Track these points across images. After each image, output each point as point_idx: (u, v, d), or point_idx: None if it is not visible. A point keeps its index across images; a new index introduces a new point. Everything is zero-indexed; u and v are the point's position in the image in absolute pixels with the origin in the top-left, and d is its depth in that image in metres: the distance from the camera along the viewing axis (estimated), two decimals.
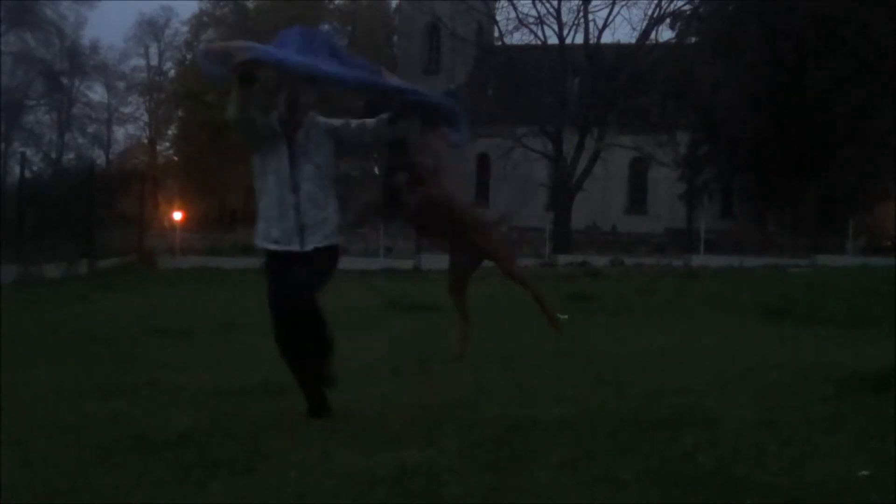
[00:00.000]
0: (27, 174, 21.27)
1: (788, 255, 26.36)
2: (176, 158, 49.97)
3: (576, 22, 37.55)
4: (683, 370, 6.50)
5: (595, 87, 36.33)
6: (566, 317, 9.89)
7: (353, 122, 4.96)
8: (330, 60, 4.76)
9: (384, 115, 4.88)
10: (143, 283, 16.34)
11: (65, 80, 46.47)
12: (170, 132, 51.65)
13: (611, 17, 41.00)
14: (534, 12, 38.49)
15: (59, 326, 9.02)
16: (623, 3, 37.42)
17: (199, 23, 47.68)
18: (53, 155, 45.08)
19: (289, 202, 4.70)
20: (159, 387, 5.76)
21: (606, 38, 38.91)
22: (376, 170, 5.37)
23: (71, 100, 47.55)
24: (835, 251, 27.98)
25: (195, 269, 20.66)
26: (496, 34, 40.44)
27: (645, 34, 37.32)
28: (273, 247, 4.77)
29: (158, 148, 52.88)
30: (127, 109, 52.42)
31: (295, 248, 4.71)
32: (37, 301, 11.77)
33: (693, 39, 37.71)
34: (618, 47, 37.77)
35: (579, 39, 37.73)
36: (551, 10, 37.56)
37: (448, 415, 4.85)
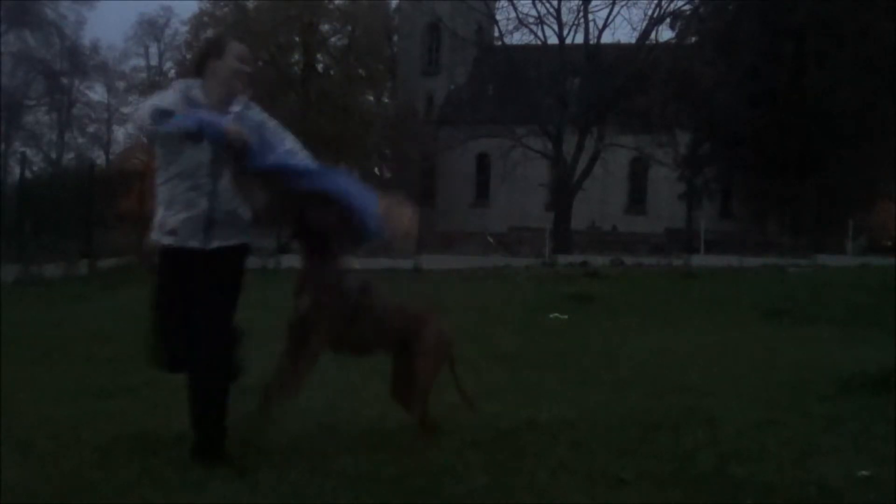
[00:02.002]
0: (27, 174, 21.31)
1: (788, 255, 26.34)
2: None
3: (576, 22, 37.69)
4: (683, 370, 6.50)
5: (595, 87, 36.37)
6: (566, 317, 9.90)
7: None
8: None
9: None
10: (143, 283, 16.35)
11: (65, 80, 46.48)
12: None
13: (611, 17, 41.42)
14: (534, 12, 38.67)
15: (59, 326, 9.02)
16: (623, 3, 37.58)
17: (199, 23, 47.64)
18: (53, 155, 45.19)
19: (205, 188, 3.95)
20: (159, 387, 5.75)
21: (606, 38, 39.08)
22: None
23: (71, 100, 47.58)
24: (835, 251, 27.98)
25: None
26: (496, 34, 40.53)
27: (645, 34, 37.41)
28: (169, 240, 4.00)
29: None
30: (127, 109, 52.38)
31: (195, 244, 3.96)
32: (37, 301, 11.76)
33: (693, 39, 37.74)
34: (618, 47, 37.83)
35: (579, 39, 37.84)
36: (551, 10, 37.68)
37: (448, 415, 4.85)
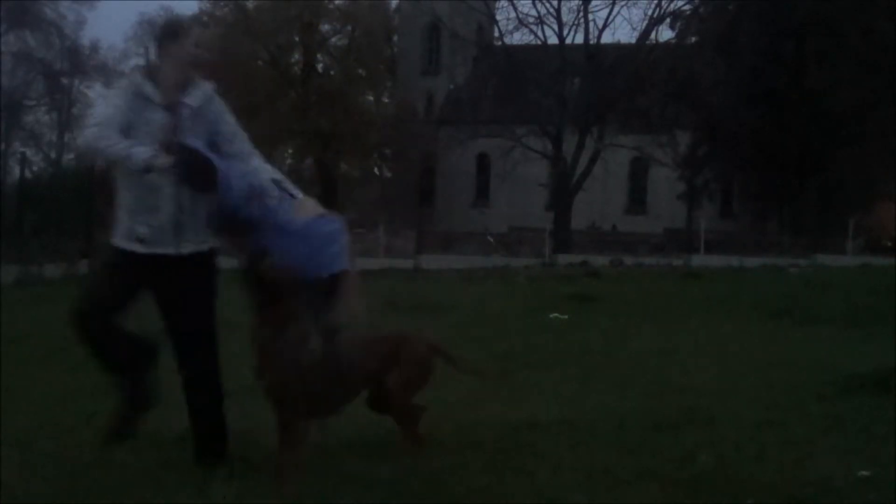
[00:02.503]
0: (27, 174, 21.33)
1: (788, 255, 26.36)
2: None
3: (576, 22, 37.71)
4: (683, 370, 6.49)
5: (595, 87, 36.36)
6: (566, 316, 9.90)
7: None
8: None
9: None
10: None
11: (65, 80, 46.49)
12: None
13: (611, 17, 41.34)
14: (534, 12, 38.63)
15: (59, 326, 9.01)
16: (623, 3, 37.58)
17: (198, 23, 47.66)
18: (53, 155, 45.20)
19: (167, 192, 3.75)
20: (159, 387, 5.75)
21: (606, 38, 39.07)
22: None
23: (71, 100, 47.58)
24: (835, 251, 27.98)
25: None
26: (496, 34, 40.54)
27: (645, 34, 37.41)
28: (140, 249, 3.79)
29: None
30: None
31: (168, 250, 3.79)
32: (37, 301, 11.76)
33: (693, 39, 37.76)
34: (618, 47, 37.84)
35: (579, 39, 37.85)
36: (551, 10, 37.69)
37: (448, 415, 4.85)
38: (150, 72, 3.89)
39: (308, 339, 3.78)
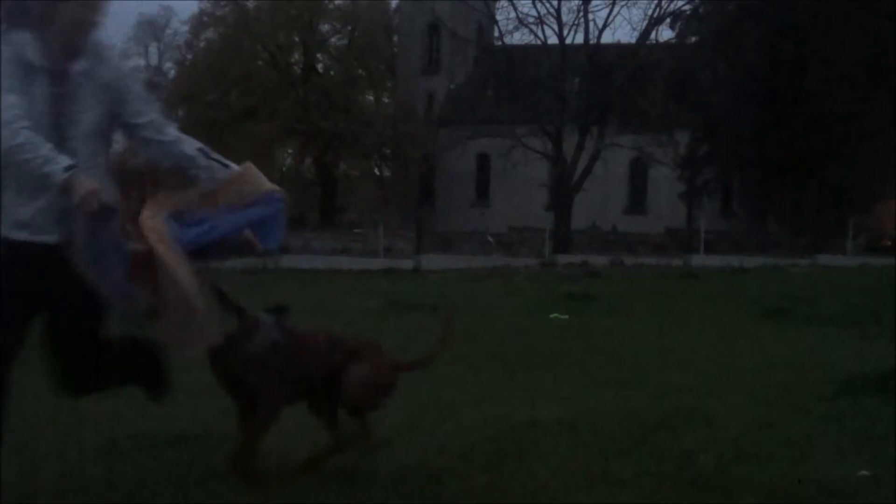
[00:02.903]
0: None
1: (788, 255, 26.38)
2: None
3: (576, 22, 37.72)
4: (683, 370, 6.49)
5: (595, 87, 36.38)
6: (566, 317, 9.90)
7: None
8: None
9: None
10: None
11: None
12: None
13: (611, 17, 41.50)
14: (534, 12, 38.66)
15: None
16: (623, 3, 37.61)
17: (199, 23, 47.69)
18: None
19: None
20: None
21: (606, 38, 39.12)
22: None
23: None
24: (835, 251, 28.01)
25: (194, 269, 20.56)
26: (496, 34, 40.57)
27: (645, 34, 37.42)
28: (21, 235, 3.22)
29: None
30: None
31: (51, 238, 3.23)
32: None
33: (693, 39, 37.78)
34: (618, 47, 37.86)
35: (579, 39, 37.88)
36: (551, 10, 37.69)
37: (448, 415, 4.85)
38: (34, 32, 3.29)
39: (246, 339, 3.64)
